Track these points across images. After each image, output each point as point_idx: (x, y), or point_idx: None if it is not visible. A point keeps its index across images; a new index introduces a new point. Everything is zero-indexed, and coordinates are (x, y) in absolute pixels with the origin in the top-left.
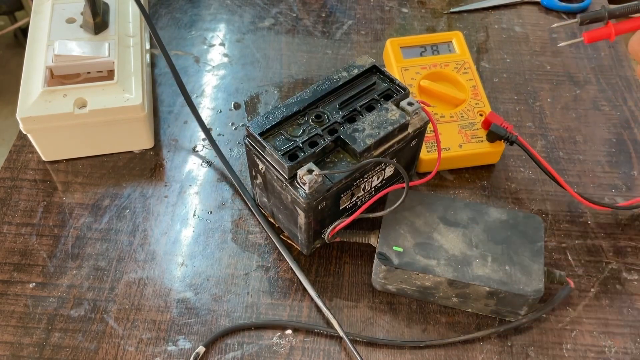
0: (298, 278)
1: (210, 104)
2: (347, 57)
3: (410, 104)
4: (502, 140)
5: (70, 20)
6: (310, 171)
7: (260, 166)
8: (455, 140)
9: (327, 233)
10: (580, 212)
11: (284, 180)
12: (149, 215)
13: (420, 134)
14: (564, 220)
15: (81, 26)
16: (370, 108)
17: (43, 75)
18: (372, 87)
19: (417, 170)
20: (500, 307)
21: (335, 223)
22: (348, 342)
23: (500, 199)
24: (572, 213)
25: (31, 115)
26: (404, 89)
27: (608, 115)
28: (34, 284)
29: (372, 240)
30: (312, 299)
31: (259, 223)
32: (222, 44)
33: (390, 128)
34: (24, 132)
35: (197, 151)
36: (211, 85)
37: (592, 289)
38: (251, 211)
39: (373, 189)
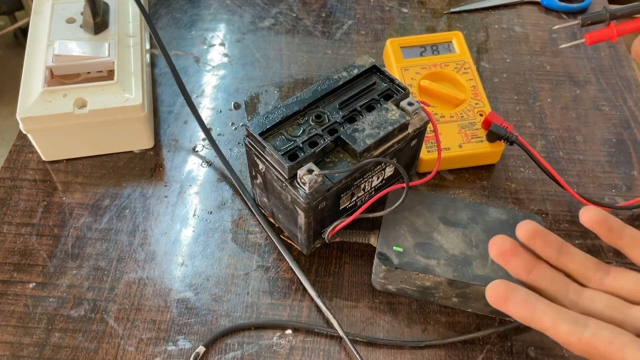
0: (298, 278)
1: (210, 104)
2: (347, 57)
3: (410, 104)
4: (502, 140)
5: (70, 20)
6: (310, 171)
7: (260, 166)
8: (455, 140)
9: (327, 233)
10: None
11: (284, 180)
12: (149, 215)
13: (420, 134)
14: (564, 220)
15: (81, 26)
16: (370, 108)
17: (43, 75)
18: (372, 87)
19: (417, 170)
20: None
21: (335, 223)
22: (348, 342)
23: (500, 199)
24: (572, 213)
25: (31, 115)
26: (404, 89)
27: (608, 115)
28: (34, 284)
29: (372, 240)
30: (312, 299)
31: (259, 223)
32: (222, 44)
33: (390, 128)
34: (24, 132)
35: (197, 151)
36: (211, 85)
37: None
38: (251, 211)
39: (373, 189)
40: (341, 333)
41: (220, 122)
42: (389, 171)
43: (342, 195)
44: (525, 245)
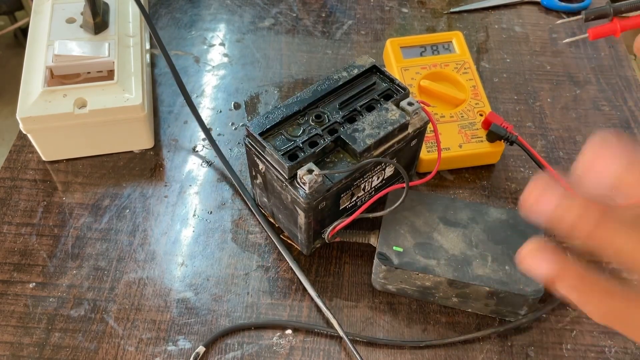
0: (298, 278)
1: (210, 104)
2: (347, 57)
3: (410, 104)
4: (502, 140)
5: (70, 20)
6: (310, 171)
7: (260, 166)
8: (455, 140)
9: (327, 233)
10: None
11: (284, 180)
12: (149, 215)
13: (420, 134)
14: None
15: (81, 26)
16: (370, 108)
17: (43, 75)
18: (372, 87)
19: (417, 170)
20: (500, 307)
21: (335, 223)
22: (348, 342)
23: (500, 199)
24: None
25: (31, 115)
26: (404, 89)
27: (608, 115)
28: (34, 284)
29: (372, 240)
30: (312, 299)
31: (259, 223)
32: (222, 44)
33: (390, 128)
34: (24, 132)
35: (197, 151)
36: (211, 85)
37: None
38: (251, 211)
39: (373, 189)
40: (341, 333)
41: (220, 122)
42: (389, 171)
43: (342, 195)
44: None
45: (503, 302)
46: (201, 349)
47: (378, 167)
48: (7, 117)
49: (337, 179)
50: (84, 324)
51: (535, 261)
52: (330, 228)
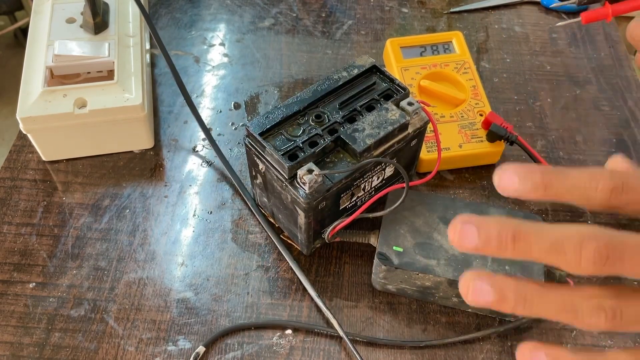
0: (298, 278)
1: (210, 104)
2: (347, 57)
3: (410, 103)
4: (502, 140)
5: (70, 20)
6: (310, 171)
7: (260, 166)
8: (455, 140)
9: (327, 233)
10: (580, 212)
11: (284, 180)
12: (149, 215)
13: (420, 134)
14: (564, 220)
15: (81, 26)
16: (370, 108)
17: (43, 75)
18: (372, 87)
19: (417, 170)
20: None
21: (335, 223)
22: (348, 342)
23: (500, 199)
24: (572, 213)
25: (31, 115)
26: (404, 88)
27: (608, 115)
28: (34, 284)
29: (372, 240)
30: (312, 299)
31: (259, 223)
32: (222, 44)
33: (390, 128)
34: (24, 132)
35: (197, 151)
36: (211, 85)
37: None
38: (251, 211)
39: (373, 189)
40: (341, 333)
41: (220, 122)
42: (389, 171)
43: (342, 195)
44: None
45: None
46: (201, 349)
47: (378, 167)
48: (7, 117)
49: (337, 179)
50: (84, 324)
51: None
52: (330, 228)
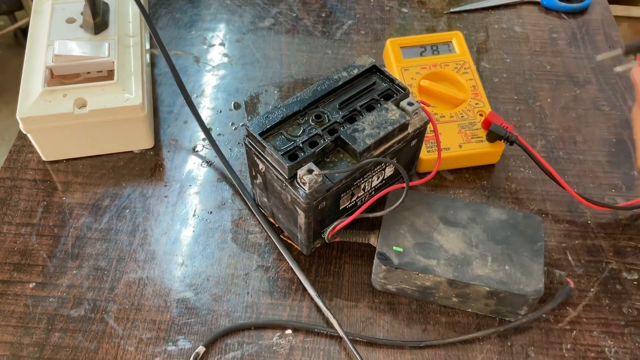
0: (298, 278)
1: (210, 104)
2: (347, 57)
3: (410, 104)
4: (502, 140)
5: (70, 20)
6: (310, 171)
7: (260, 166)
8: (455, 140)
9: (327, 233)
10: (580, 212)
11: (284, 180)
12: (149, 215)
13: (420, 134)
14: (564, 220)
15: (81, 26)
16: (370, 108)
17: (43, 75)
18: (372, 87)
19: (417, 170)
20: (500, 307)
21: (335, 223)
22: (348, 342)
23: (500, 199)
24: (572, 213)
25: (31, 115)
26: (404, 88)
27: (608, 115)
28: (34, 284)
29: (372, 240)
30: (312, 299)
31: (259, 223)
32: (222, 44)
33: (390, 128)
34: (24, 132)
35: (197, 151)
36: (211, 85)
37: (592, 289)
38: (251, 211)
39: (373, 189)
40: (341, 333)
41: (220, 122)
42: (389, 171)
43: (342, 195)
44: None
45: (503, 302)
46: (201, 349)
47: (378, 167)
48: (7, 117)
49: (337, 179)
50: (84, 324)
51: None
52: (330, 228)
